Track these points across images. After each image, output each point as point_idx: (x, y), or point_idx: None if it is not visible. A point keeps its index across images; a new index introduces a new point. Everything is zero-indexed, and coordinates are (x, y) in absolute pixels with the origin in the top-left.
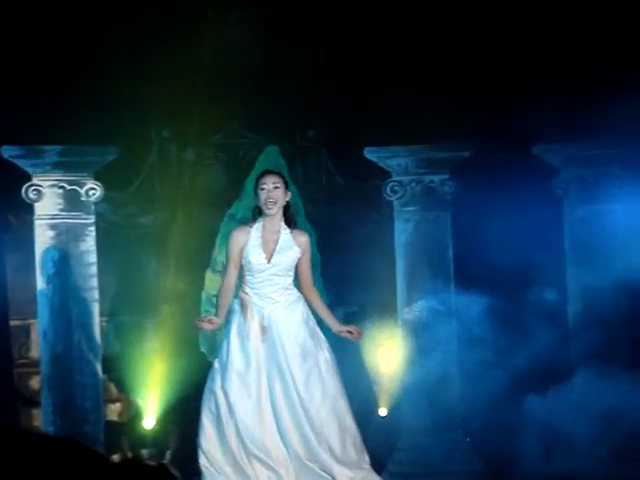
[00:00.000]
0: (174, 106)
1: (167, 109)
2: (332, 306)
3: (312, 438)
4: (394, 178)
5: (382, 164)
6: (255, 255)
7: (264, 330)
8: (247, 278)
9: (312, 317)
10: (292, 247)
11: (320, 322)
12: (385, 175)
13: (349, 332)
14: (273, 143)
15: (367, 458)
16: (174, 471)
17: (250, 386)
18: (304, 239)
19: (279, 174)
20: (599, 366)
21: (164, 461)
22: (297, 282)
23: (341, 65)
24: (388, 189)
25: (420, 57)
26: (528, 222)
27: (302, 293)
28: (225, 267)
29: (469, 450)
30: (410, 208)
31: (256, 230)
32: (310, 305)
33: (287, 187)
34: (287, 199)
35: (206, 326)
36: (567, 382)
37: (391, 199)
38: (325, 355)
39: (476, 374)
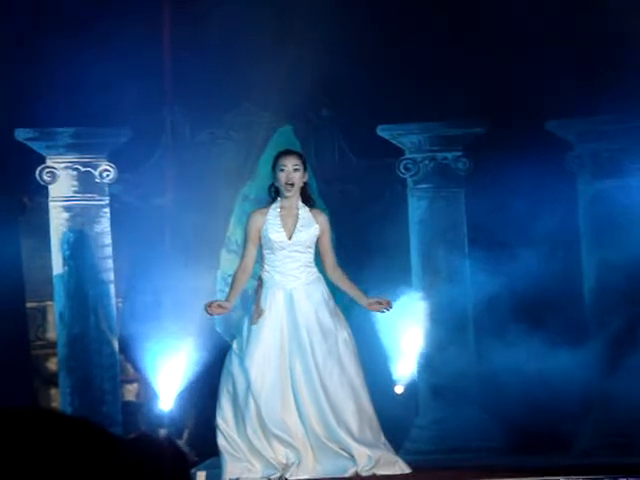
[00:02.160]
0: (187, 86)
1: (180, 89)
2: None
3: (330, 417)
4: (407, 156)
5: (395, 142)
6: (275, 233)
7: (262, 313)
8: (268, 257)
9: (332, 297)
10: (312, 224)
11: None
12: (398, 153)
13: (378, 303)
14: (286, 122)
15: (383, 439)
16: (185, 448)
17: (271, 364)
18: (323, 218)
19: (299, 155)
20: (615, 344)
21: (181, 440)
22: (320, 264)
23: (355, 43)
24: (401, 167)
25: (432, 34)
26: (542, 198)
27: (327, 274)
28: (243, 248)
29: (487, 427)
30: (424, 185)
31: (274, 209)
32: (336, 284)
33: (305, 168)
34: (305, 180)
35: (216, 311)
36: (585, 357)
37: (404, 177)
38: (345, 336)
39: (492, 350)
